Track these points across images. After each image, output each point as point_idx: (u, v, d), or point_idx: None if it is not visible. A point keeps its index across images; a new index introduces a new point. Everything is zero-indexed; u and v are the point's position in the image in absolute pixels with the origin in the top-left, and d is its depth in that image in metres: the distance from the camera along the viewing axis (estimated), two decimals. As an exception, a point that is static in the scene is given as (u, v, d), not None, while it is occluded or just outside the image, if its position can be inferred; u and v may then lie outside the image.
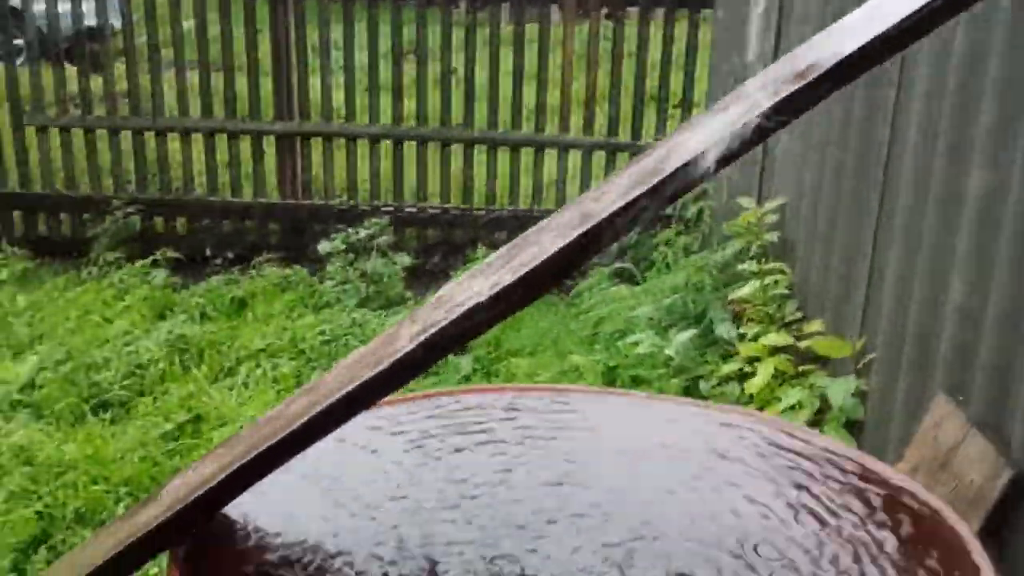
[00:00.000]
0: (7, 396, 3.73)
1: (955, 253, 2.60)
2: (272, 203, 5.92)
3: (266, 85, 5.90)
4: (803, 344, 3.50)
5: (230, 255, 5.84)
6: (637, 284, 4.77)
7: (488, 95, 5.75)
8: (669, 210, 5.35)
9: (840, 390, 3.06)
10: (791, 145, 4.14)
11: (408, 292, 5.18)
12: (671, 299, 4.04)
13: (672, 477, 1.24)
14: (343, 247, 4.99)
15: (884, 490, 1.21)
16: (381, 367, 0.98)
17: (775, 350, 3.55)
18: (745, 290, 3.74)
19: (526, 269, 0.96)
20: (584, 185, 5.72)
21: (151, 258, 5.50)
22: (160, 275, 5.33)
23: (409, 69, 5.98)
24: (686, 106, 5.81)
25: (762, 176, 4.47)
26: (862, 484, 1.22)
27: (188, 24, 5.95)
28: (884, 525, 1.13)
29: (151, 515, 1.07)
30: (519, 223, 5.57)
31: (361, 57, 5.78)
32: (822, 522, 1.14)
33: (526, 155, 5.83)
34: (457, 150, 5.83)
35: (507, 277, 0.95)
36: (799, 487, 1.22)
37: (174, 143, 6.02)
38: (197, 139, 5.92)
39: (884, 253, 3.12)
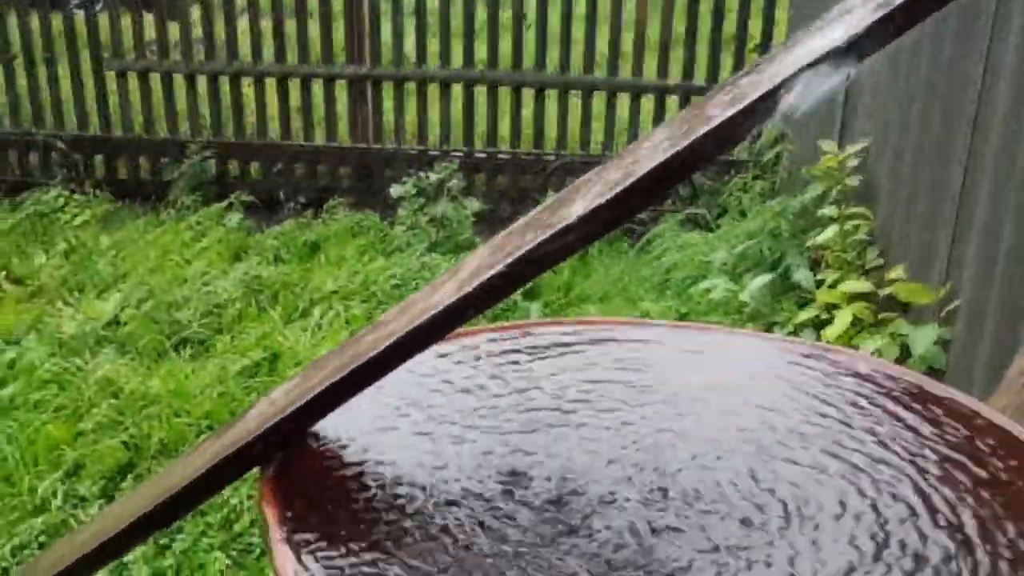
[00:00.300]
0: (93, 332, 3.86)
1: (1051, 196, 2.50)
2: (343, 147, 5.96)
3: (338, 30, 5.91)
4: (884, 291, 3.41)
5: (302, 199, 5.91)
6: (710, 231, 4.70)
7: (561, 39, 5.67)
8: (745, 155, 5.24)
9: (922, 337, 2.98)
10: (876, 86, 4.00)
11: (477, 238, 5.19)
12: (746, 245, 3.97)
13: (750, 406, 1.21)
14: (414, 191, 5.00)
15: (972, 421, 1.17)
16: (468, 288, 0.97)
17: (854, 297, 3.47)
18: (824, 235, 3.65)
19: (620, 187, 0.93)
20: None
21: (226, 201, 5.61)
22: (235, 218, 5.44)
23: (480, 12, 5.92)
24: (764, 49, 5.64)
25: (844, 119, 4.33)
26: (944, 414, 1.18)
27: (261, -31, 5.97)
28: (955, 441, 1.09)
29: (239, 434, 1.09)
30: (590, 169, 5.51)
31: (432, 1, 5.74)
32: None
33: (599, 99, 5.75)
34: (528, 94, 5.77)
35: (602, 196, 0.93)
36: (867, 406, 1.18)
37: (248, 88, 6.08)
38: (271, 83, 5.97)
39: (972, 196, 3.01)
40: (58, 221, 5.41)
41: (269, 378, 3.64)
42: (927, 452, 1.09)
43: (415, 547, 0.97)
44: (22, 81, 6.14)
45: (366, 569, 0.93)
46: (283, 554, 0.94)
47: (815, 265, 3.80)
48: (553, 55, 5.74)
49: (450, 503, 1.06)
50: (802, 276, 3.72)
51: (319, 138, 6.04)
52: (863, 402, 1.20)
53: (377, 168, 5.88)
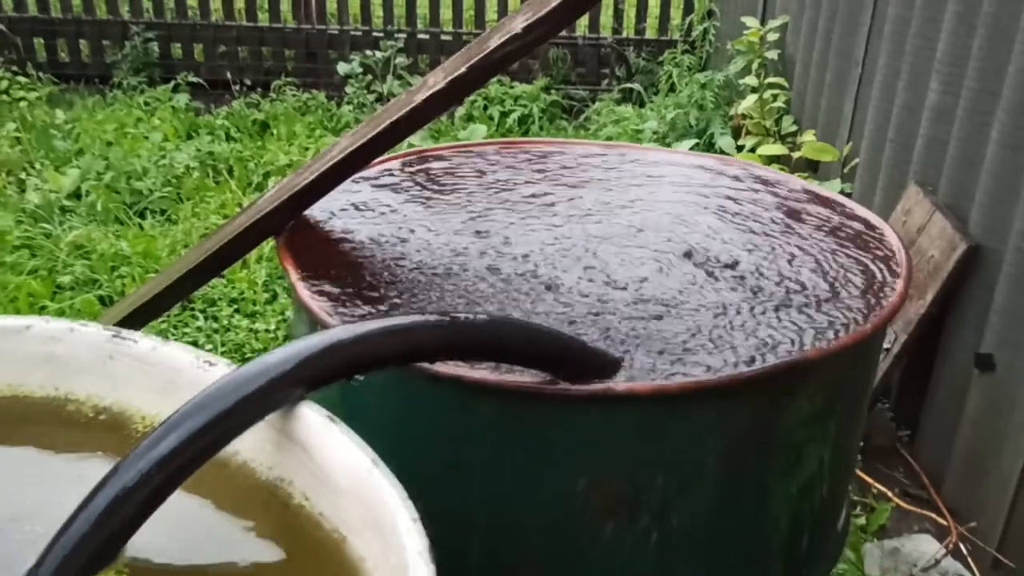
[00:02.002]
0: (57, 202, 4.03)
1: (934, 57, 2.83)
2: (287, 29, 6.05)
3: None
4: (796, 155, 3.77)
5: (248, 81, 6.01)
6: (643, 106, 4.98)
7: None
8: (677, 34, 5.51)
9: (826, 190, 3.33)
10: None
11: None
12: (674, 114, 4.27)
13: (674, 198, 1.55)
14: (360, 70, 5.17)
15: (832, 204, 1.52)
16: (420, 97, 1.26)
17: (771, 159, 3.81)
18: (745, 104, 3.97)
19: (550, 5, 1.22)
20: (593, 8, 5.82)
21: (172, 83, 5.70)
22: (182, 99, 5.55)
23: None
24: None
25: (766, -3, 4.60)
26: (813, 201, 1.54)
27: None
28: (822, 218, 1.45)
29: (259, 208, 1.38)
30: (529, 48, 5.72)
31: None
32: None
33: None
34: (468, -25, 5.90)
35: (540, 12, 1.22)
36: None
37: (189, -32, 6.10)
38: (211, -36, 6.00)
39: (873, 63, 3.34)
40: (4, 103, 5.46)
41: (231, 242, 3.88)
42: (762, 204, 1.47)
43: (406, 283, 1.30)
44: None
45: (367, 292, 1.25)
46: (301, 288, 1.25)
47: (737, 132, 4.13)
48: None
49: (425, 251, 1.38)
50: (725, 142, 4.05)
51: (263, 20, 6.12)
52: (729, 181, 1.59)
53: (321, 49, 6.00)
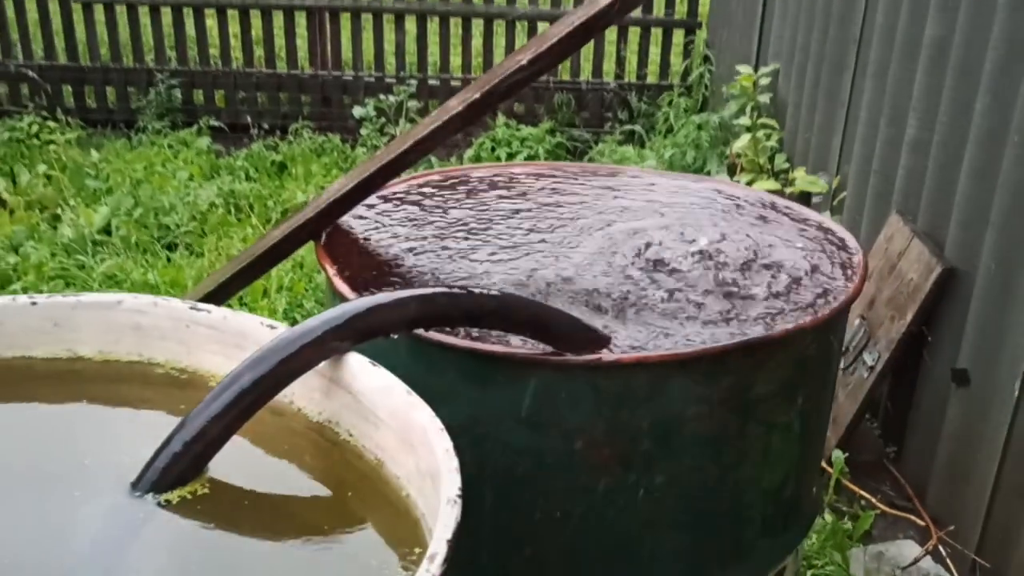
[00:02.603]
0: (89, 236, 4.26)
1: (911, 95, 3.05)
2: (304, 76, 6.33)
3: (297, -38, 6.24)
4: (789, 190, 3.98)
5: (266, 125, 6.28)
6: (643, 146, 5.22)
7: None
8: (676, 79, 5.78)
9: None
10: (784, 14, 4.52)
11: (433, 157, 5.65)
12: (672, 152, 4.50)
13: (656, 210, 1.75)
14: (374, 113, 5.43)
15: (801, 218, 1.73)
16: (442, 118, 1.48)
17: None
18: (739, 143, 4.19)
19: (550, 42, 1.44)
20: (597, 54, 6.10)
21: (195, 126, 5.98)
22: (204, 142, 5.81)
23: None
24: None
25: (760, 43, 4.86)
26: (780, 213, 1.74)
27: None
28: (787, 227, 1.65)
29: (304, 214, 1.59)
30: (534, 93, 6.00)
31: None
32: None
33: (544, 29, 6.20)
34: (478, 25, 6.19)
35: (542, 47, 1.44)
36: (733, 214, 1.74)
37: (211, 19, 6.41)
38: (233, 15, 6.30)
39: (857, 103, 3.57)
40: (35, 145, 5.73)
41: (252, 274, 4.09)
42: (739, 208, 1.68)
43: (421, 276, 1.50)
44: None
45: (391, 278, 1.45)
46: (338, 283, 1.45)
47: (732, 169, 4.36)
48: (500, -12, 6.17)
49: (439, 252, 1.58)
50: (720, 179, 4.27)
51: (281, 67, 6.41)
52: (720, 197, 1.79)
53: (337, 94, 6.27)
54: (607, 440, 1.29)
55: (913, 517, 2.77)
